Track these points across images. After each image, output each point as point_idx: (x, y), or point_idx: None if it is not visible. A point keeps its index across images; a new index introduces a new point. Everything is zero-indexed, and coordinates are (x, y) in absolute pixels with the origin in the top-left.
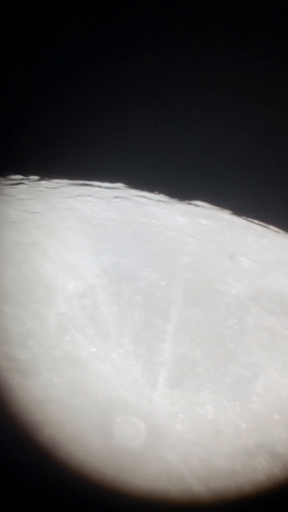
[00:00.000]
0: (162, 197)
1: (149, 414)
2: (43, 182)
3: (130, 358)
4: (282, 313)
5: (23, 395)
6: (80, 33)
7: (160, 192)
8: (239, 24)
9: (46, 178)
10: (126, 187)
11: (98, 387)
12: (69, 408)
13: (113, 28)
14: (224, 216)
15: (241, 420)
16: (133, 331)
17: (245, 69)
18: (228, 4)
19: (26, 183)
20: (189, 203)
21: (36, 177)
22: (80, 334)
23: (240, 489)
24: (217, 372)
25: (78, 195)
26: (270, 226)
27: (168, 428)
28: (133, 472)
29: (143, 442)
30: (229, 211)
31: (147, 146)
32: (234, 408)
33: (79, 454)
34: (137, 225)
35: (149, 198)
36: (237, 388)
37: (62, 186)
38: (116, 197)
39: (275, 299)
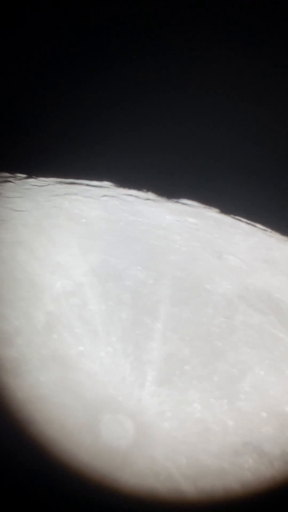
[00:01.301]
0: (150, 195)
1: (137, 413)
2: (31, 180)
3: (118, 357)
4: (270, 312)
5: (10, 394)
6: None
7: (148, 191)
8: (239, 24)
9: (33, 176)
10: (114, 185)
11: (86, 385)
12: (57, 406)
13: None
14: (212, 215)
15: (229, 418)
16: (121, 329)
17: (229, 64)
18: (228, 5)
19: (13, 181)
20: (177, 202)
21: (23, 175)
22: (68, 332)
23: (227, 487)
24: (205, 371)
25: (66, 194)
26: (258, 225)
27: (156, 426)
28: (121, 471)
29: (131, 440)
30: (217, 210)
31: (134, 145)
32: (221, 406)
33: (67, 453)
34: (125, 224)
35: (137, 197)
36: (225, 386)
37: (49, 184)
38: (104, 196)
39: (262, 298)
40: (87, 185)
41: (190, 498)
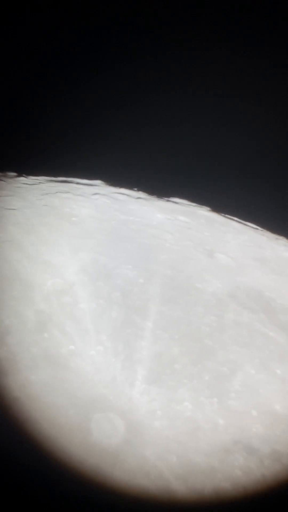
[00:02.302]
0: (141, 194)
1: (127, 411)
2: (21, 179)
3: (108, 355)
4: (260, 310)
5: (1, 393)
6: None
7: (139, 189)
8: (239, 24)
9: (24, 175)
10: (105, 184)
11: (76, 384)
12: (47, 405)
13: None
14: (203, 213)
15: (219, 416)
16: (112, 328)
17: (222, 65)
18: (228, 5)
19: (3, 179)
20: (168, 200)
21: (14, 174)
22: (58, 331)
23: (218, 485)
24: (195, 369)
25: (57, 192)
26: (249, 223)
27: (147, 425)
28: (111, 469)
29: (121, 439)
30: (208, 208)
31: (125, 143)
32: (211, 405)
33: (57, 452)
34: (116, 222)
35: (128, 195)
36: (215, 384)
37: (40, 182)
38: (95, 194)
39: (252, 296)
40: (78, 183)
41: (180, 496)
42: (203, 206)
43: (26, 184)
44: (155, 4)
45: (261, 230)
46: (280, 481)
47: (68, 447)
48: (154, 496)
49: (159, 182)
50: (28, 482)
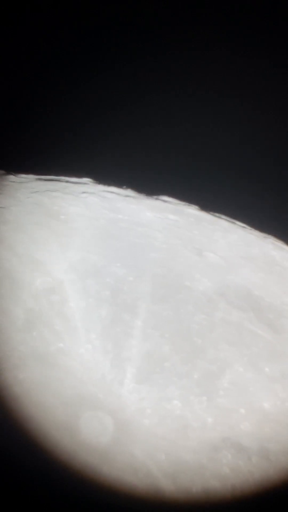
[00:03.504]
0: (130, 192)
1: (117, 410)
2: (10, 177)
3: (98, 354)
4: (249, 309)
5: None
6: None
7: (127, 187)
8: (239, 24)
9: (12, 173)
10: (93, 182)
11: (65, 383)
12: (35, 404)
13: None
14: (192, 212)
15: (208, 414)
16: (101, 326)
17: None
18: (228, 5)
19: None
20: (157, 199)
21: (2, 171)
22: (47, 329)
23: (206, 482)
24: (185, 368)
25: (46, 190)
26: (237, 222)
27: (136, 423)
28: (100, 468)
29: (110, 437)
30: (197, 207)
31: (114, 142)
32: (201, 403)
33: (45, 450)
34: (105, 221)
35: (117, 193)
36: (204, 383)
37: (29, 181)
38: (83, 192)
39: (242, 295)
40: (67, 182)
41: (168, 494)
42: (192, 205)
43: (15, 182)
44: (155, 4)
45: (250, 229)
46: (268, 478)
47: (56, 446)
48: (142, 494)
49: (148, 180)
50: (15, 481)
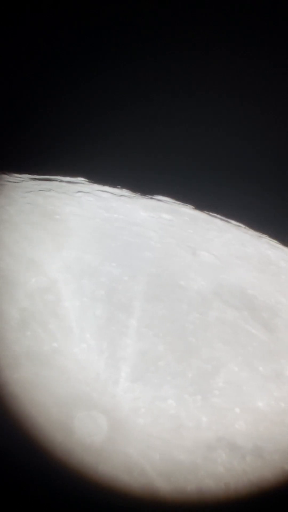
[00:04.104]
0: (124, 191)
1: (111, 409)
2: (4, 177)
3: (92, 353)
4: (243, 307)
5: None
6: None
7: (122, 187)
8: (239, 24)
9: (6, 173)
10: (88, 181)
11: (60, 382)
12: (30, 404)
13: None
14: (186, 211)
15: (202, 413)
16: (96, 326)
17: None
18: (228, 5)
19: None
20: (151, 198)
21: None
22: (42, 329)
23: (200, 481)
24: (179, 367)
25: (40, 190)
26: (232, 221)
27: (130, 422)
28: (95, 467)
29: (105, 437)
30: (191, 206)
31: (109, 141)
32: (195, 402)
33: (40, 450)
34: (100, 220)
35: (112, 193)
36: (199, 382)
37: (23, 180)
38: (78, 192)
39: (236, 294)
40: (61, 181)
41: (163, 493)
42: (187, 204)
43: (9, 182)
44: (155, 4)
45: (244, 228)
46: (262, 477)
47: (51, 445)
48: (137, 493)
49: (143, 180)
50: (8, 480)
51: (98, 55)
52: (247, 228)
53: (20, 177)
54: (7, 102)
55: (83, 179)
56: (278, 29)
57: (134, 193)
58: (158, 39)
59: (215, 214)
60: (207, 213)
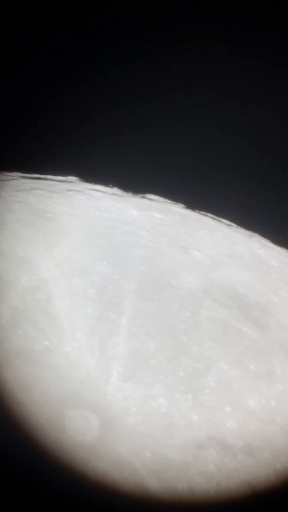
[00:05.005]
0: (116, 190)
1: (102, 408)
2: None
3: (84, 352)
4: (234, 306)
5: None
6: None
7: (114, 186)
8: (239, 24)
9: None
10: (79, 180)
11: (51, 381)
12: (20, 403)
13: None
14: (178, 210)
15: (193, 412)
16: (87, 325)
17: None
18: (228, 5)
19: None
20: (143, 197)
21: None
22: (33, 328)
23: (191, 480)
24: (170, 365)
25: (31, 189)
26: (223, 220)
27: (121, 421)
28: (85, 466)
29: (96, 435)
30: (182, 205)
31: (100, 140)
32: (186, 401)
33: (31, 449)
34: (91, 219)
35: (103, 192)
36: (190, 381)
37: (13, 179)
38: (69, 190)
39: (227, 292)
40: (52, 180)
41: (154, 491)
42: (178, 203)
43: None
44: (155, 4)
45: (235, 227)
46: (253, 475)
47: (41, 444)
48: (128, 492)
49: (135, 178)
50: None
51: (98, 55)
52: (238, 227)
53: (11, 176)
54: (2, 103)
55: (74, 177)
56: (278, 29)
57: (125, 192)
58: (158, 39)
59: (206, 213)
60: (198, 212)
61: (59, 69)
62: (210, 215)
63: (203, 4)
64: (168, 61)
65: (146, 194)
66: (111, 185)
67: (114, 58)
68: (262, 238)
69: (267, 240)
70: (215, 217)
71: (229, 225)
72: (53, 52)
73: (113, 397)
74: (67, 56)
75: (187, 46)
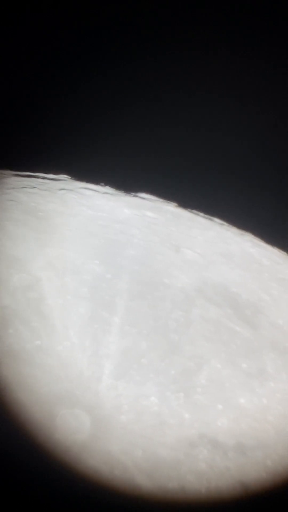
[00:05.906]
0: (108, 189)
1: (94, 407)
2: None
3: (76, 351)
4: (226, 305)
5: None
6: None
7: (106, 184)
8: (239, 24)
9: None
10: (71, 179)
11: (42, 380)
12: (11, 402)
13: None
14: (170, 209)
15: (185, 411)
16: (79, 323)
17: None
18: (228, 5)
19: None
20: (135, 196)
21: None
22: (24, 327)
23: (182, 478)
24: (162, 364)
25: (23, 187)
26: (215, 219)
27: (113, 419)
28: (77, 465)
29: (87, 434)
30: (175, 204)
31: (92, 138)
32: (178, 399)
33: (22, 448)
34: (83, 218)
35: (95, 190)
36: (182, 379)
37: (5, 177)
38: (61, 189)
39: (219, 291)
40: (44, 178)
41: (145, 490)
42: (170, 202)
43: None
44: (155, 4)
45: (227, 226)
46: (244, 473)
47: (33, 443)
48: (119, 490)
49: (126, 177)
50: None
51: (98, 55)
52: (230, 226)
53: (2, 174)
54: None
55: (66, 176)
56: (278, 29)
57: (117, 191)
58: (158, 39)
59: (198, 212)
60: (190, 211)
61: (59, 69)
62: (202, 214)
63: (203, 4)
64: (168, 61)
65: (138, 193)
66: (103, 184)
67: (114, 58)
68: (254, 237)
69: (259, 239)
70: (207, 216)
71: (221, 224)
72: (53, 52)
73: (105, 395)
74: (67, 56)
75: (187, 46)
